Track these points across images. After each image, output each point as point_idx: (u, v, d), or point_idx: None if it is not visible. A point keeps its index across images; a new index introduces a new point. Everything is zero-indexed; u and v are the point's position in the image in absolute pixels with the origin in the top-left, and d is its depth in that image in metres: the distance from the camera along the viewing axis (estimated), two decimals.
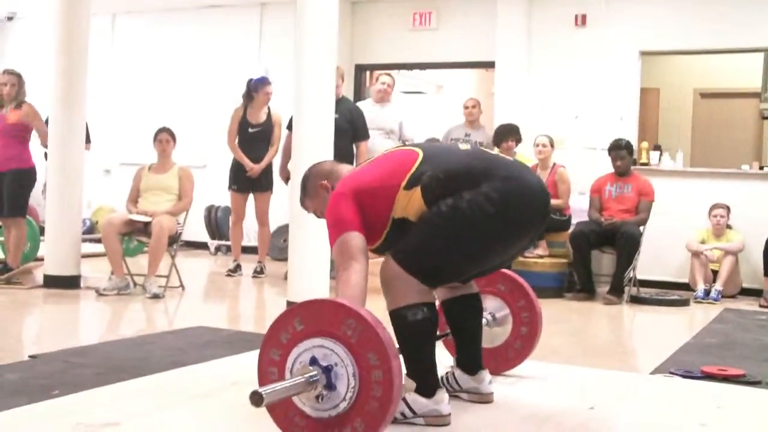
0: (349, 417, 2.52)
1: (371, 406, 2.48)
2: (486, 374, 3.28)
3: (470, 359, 3.28)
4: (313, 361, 2.54)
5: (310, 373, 2.52)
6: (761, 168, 8.06)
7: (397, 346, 2.70)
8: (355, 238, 2.87)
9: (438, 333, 3.45)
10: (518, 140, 7.84)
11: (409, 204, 2.91)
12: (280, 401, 2.57)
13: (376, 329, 2.49)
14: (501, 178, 2.88)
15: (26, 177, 6.85)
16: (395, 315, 2.83)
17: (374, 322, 2.52)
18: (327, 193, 3.19)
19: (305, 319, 2.59)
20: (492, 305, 3.68)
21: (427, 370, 2.92)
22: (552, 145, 7.68)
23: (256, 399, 2.36)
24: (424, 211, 2.89)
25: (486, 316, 3.57)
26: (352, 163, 7.36)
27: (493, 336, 3.68)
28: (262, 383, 2.60)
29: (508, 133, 7.78)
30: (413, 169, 2.93)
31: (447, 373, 3.33)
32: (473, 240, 2.87)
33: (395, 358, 2.49)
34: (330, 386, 2.53)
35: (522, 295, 3.68)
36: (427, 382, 2.91)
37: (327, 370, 2.53)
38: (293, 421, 2.61)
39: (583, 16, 8.38)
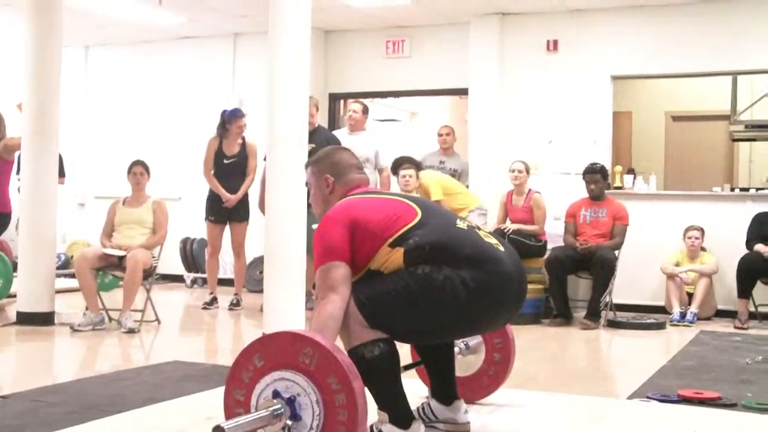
0: None
1: (338, 431, 2.48)
2: (461, 404, 3.26)
3: (445, 389, 3.26)
4: (276, 395, 2.55)
5: (274, 407, 2.53)
6: (732, 190, 8.15)
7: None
8: (340, 269, 2.85)
9: (411, 362, 3.45)
10: (416, 167, 7.63)
11: (388, 261, 2.89)
12: None
13: (333, 353, 2.51)
14: (484, 270, 2.83)
15: (3, 221, 6.87)
16: (352, 354, 2.79)
17: (331, 347, 2.53)
18: (327, 188, 3.18)
19: (264, 354, 2.60)
20: None
21: (398, 402, 2.89)
22: (527, 171, 7.71)
23: None
24: (401, 269, 2.87)
25: (459, 345, 3.56)
26: None
27: (467, 364, 3.66)
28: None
29: (399, 164, 7.61)
30: (404, 230, 2.90)
31: (423, 404, 3.31)
32: (434, 314, 2.83)
33: (356, 380, 2.51)
34: (295, 417, 2.53)
35: None
36: (401, 414, 2.89)
37: (290, 402, 2.53)
38: None
39: (555, 42, 8.47)
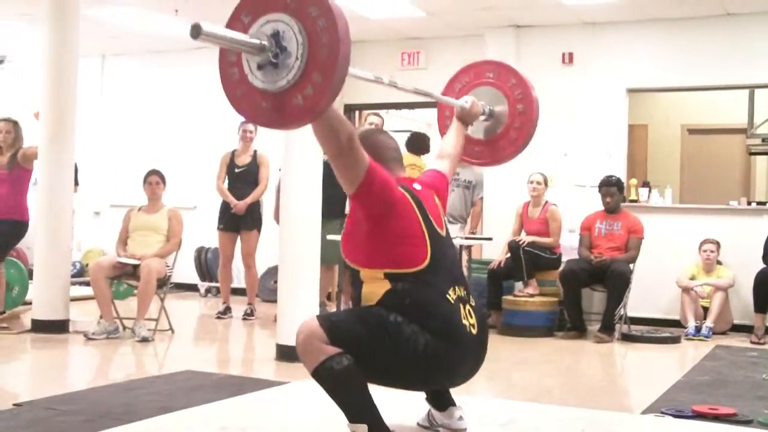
0: (306, 75, 2.55)
1: (322, 54, 2.53)
2: (455, 410, 3.31)
3: (439, 396, 3.33)
4: (261, 36, 2.61)
5: (258, 39, 2.60)
6: (749, 203, 8.10)
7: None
8: (365, 159, 2.87)
9: None
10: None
11: (372, 284, 2.94)
12: (225, 51, 2.74)
13: None
14: (445, 347, 2.88)
15: (21, 230, 6.89)
16: (321, 370, 2.81)
17: None
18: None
19: (250, 10, 2.67)
20: (487, 98, 3.84)
21: (372, 412, 2.90)
22: (546, 183, 7.70)
23: (195, 30, 2.52)
24: (373, 306, 2.92)
25: (484, 109, 3.74)
26: (344, 210, 7.32)
27: (489, 130, 3.88)
28: (225, 85, 2.84)
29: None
30: (403, 271, 2.92)
31: (427, 411, 3.39)
32: (390, 360, 2.87)
33: (334, 4, 2.53)
34: (280, 48, 2.58)
35: (511, 74, 3.92)
36: (378, 423, 2.89)
37: (275, 35, 2.59)
38: (259, 105, 2.72)
39: (570, 54, 8.45)
